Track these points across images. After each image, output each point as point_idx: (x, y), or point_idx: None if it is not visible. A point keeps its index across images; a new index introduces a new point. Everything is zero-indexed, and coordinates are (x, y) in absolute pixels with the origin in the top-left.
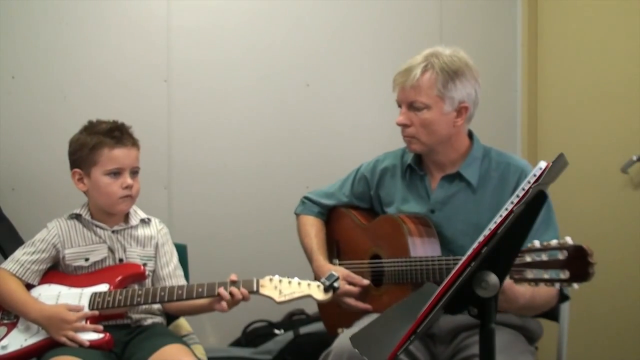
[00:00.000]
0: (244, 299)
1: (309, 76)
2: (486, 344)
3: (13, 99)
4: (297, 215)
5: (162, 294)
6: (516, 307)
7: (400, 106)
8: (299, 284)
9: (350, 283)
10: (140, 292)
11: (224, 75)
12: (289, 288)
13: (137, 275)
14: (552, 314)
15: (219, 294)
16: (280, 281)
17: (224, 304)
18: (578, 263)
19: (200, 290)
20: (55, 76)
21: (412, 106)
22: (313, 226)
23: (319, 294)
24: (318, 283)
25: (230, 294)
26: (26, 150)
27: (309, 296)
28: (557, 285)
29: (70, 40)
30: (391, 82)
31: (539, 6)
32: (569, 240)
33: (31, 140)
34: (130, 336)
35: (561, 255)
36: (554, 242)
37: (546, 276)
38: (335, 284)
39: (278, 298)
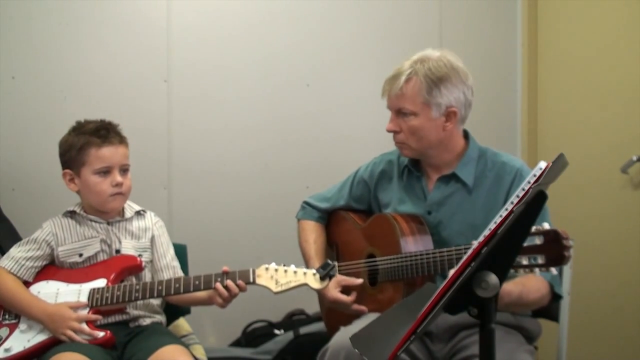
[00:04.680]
0: (241, 290)
1: (309, 77)
2: (486, 344)
3: (13, 99)
4: (298, 220)
5: (160, 288)
6: (501, 305)
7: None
8: (295, 272)
9: (344, 287)
10: (137, 286)
11: (224, 75)
12: (285, 277)
13: (133, 268)
14: (551, 314)
15: (216, 289)
16: (276, 270)
17: (219, 299)
18: (554, 247)
19: (197, 283)
20: (55, 77)
21: (400, 113)
22: (313, 232)
23: (315, 283)
24: (314, 271)
25: (227, 287)
26: (26, 150)
27: (305, 285)
28: (537, 271)
29: (70, 41)
30: None
31: (539, 6)
32: (545, 225)
33: (31, 140)
34: (129, 336)
35: (538, 240)
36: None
37: (525, 262)
38: (332, 272)
39: (275, 288)
